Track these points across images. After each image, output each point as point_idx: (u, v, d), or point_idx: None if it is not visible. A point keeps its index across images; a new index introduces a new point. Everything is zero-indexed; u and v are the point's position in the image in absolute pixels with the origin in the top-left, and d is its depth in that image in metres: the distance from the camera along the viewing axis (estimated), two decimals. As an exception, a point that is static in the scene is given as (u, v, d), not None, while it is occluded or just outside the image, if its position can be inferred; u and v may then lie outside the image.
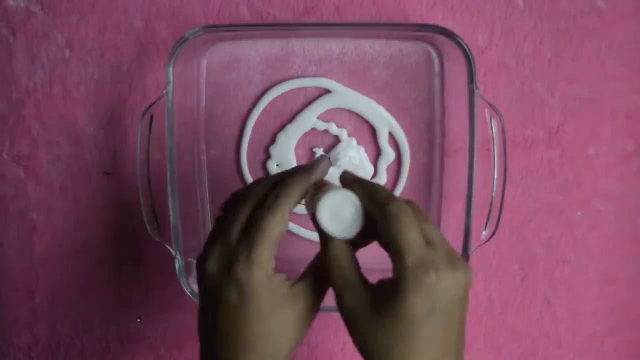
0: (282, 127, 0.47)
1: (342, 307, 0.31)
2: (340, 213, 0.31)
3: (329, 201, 0.30)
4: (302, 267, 0.49)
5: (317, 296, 0.33)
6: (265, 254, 0.30)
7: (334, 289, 0.31)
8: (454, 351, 0.30)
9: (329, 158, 0.34)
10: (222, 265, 0.31)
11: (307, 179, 0.32)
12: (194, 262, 0.37)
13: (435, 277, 0.28)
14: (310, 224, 0.49)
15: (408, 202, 0.32)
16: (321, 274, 0.32)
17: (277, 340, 0.31)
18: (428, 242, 0.29)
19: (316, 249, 0.49)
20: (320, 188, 0.33)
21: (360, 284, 0.31)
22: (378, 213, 0.30)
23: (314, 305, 0.33)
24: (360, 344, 0.30)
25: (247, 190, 0.33)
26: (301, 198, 0.32)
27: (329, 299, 0.48)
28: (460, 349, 0.31)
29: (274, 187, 0.32)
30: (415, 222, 0.30)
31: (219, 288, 0.31)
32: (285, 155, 0.47)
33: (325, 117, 0.47)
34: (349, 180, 0.33)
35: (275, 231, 0.31)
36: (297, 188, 0.32)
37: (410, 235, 0.29)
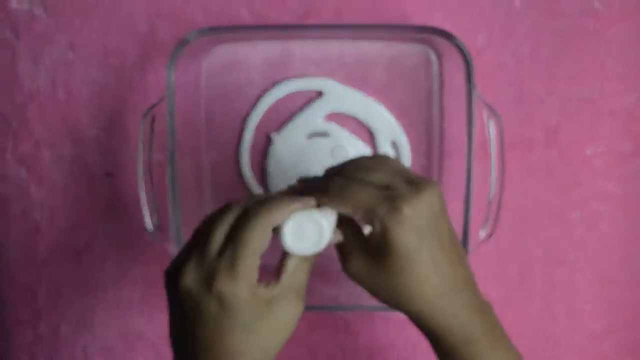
0: (282, 128, 0.47)
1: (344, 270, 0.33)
2: (303, 234, 0.31)
3: (290, 226, 0.31)
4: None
5: (296, 296, 0.33)
6: (249, 267, 0.30)
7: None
8: (458, 261, 0.32)
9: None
10: (199, 278, 0.30)
11: (293, 200, 0.31)
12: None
13: (407, 209, 0.29)
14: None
15: (343, 167, 0.33)
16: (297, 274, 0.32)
17: (263, 347, 0.31)
18: (385, 187, 0.30)
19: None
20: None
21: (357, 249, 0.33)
22: (329, 203, 0.31)
23: (296, 306, 0.32)
24: (380, 297, 0.33)
25: (225, 207, 0.32)
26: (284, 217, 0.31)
27: (330, 298, 0.48)
28: (463, 256, 0.33)
29: (257, 202, 0.31)
30: (360, 185, 0.31)
31: (198, 301, 0.30)
32: (285, 157, 0.47)
33: (325, 118, 0.47)
34: (300, 189, 0.33)
35: (258, 243, 0.30)
36: (283, 204, 0.31)
37: (363, 196, 0.30)
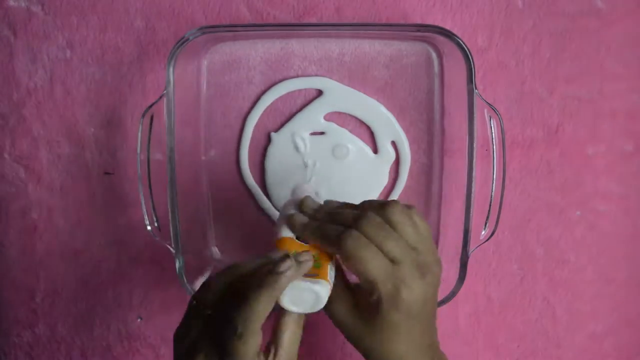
0: (282, 127, 0.47)
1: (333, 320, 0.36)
2: (301, 299, 0.33)
3: (289, 294, 0.32)
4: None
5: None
6: (256, 331, 0.30)
7: None
8: (428, 331, 0.36)
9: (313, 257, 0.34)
10: (213, 349, 0.31)
11: (292, 275, 0.32)
12: (196, 266, 0.37)
13: (406, 292, 0.32)
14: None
15: (363, 217, 0.33)
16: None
17: None
18: (393, 261, 0.33)
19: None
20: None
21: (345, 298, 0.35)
22: (337, 252, 0.33)
23: None
24: (352, 342, 0.36)
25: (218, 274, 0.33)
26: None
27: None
28: (433, 325, 0.37)
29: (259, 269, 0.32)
30: (374, 250, 0.32)
31: None
32: (285, 156, 0.47)
33: (325, 117, 0.47)
34: (299, 229, 0.35)
35: (266, 310, 0.31)
36: (280, 284, 0.31)
37: (373, 266, 0.32)
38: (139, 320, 0.50)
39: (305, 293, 0.32)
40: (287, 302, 0.32)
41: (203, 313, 0.32)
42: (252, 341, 0.30)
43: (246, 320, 0.30)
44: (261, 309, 0.30)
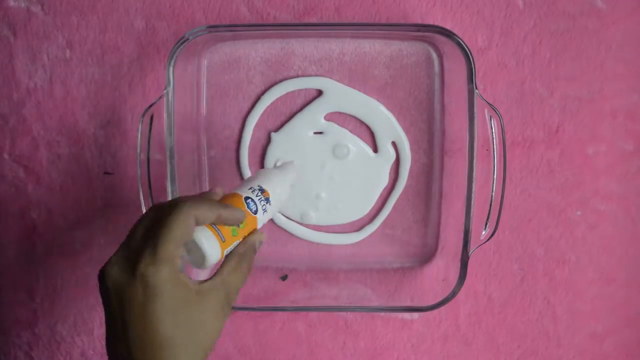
0: (282, 127, 0.47)
1: None
2: (196, 249, 0.33)
3: (196, 237, 0.32)
4: (301, 267, 0.49)
5: (226, 296, 0.33)
6: (170, 250, 0.30)
7: None
8: None
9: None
10: (123, 266, 0.31)
11: (218, 206, 0.33)
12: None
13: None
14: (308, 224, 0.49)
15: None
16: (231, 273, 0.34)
17: (190, 338, 0.31)
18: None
19: (314, 249, 0.49)
20: None
21: None
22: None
23: (225, 305, 0.33)
24: None
25: (149, 208, 0.34)
26: (211, 213, 0.33)
27: (331, 299, 0.48)
28: None
29: (181, 197, 0.33)
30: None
31: (124, 289, 0.30)
32: (284, 156, 0.47)
33: (325, 117, 0.47)
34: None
35: (180, 230, 0.31)
36: (205, 197, 0.33)
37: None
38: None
39: (198, 244, 0.32)
40: (184, 252, 0.33)
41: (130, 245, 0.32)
42: (167, 253, 0.30)
43: (160, 241, 0.30)
44: (176, 231, 0.31)
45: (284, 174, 0.40)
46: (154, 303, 0.30)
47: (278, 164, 0.46)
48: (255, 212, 0.36)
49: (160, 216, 0.31)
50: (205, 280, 0.33)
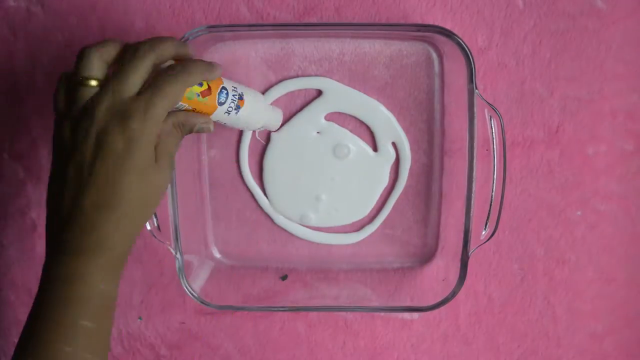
0: (282, 127, 0.47)
1: None
2: None
3: None
4: (301, 267, 0.49)
5: (170, 159, 0.35)
6: (161, 115, 0.32)
7: None
8: None
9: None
10: (113, 113, 0.32)
11: (211, 68, 0.35)
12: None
13: None
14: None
15: None
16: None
17: (146, 198, 0.34)
18: None
19: (314, 249, 0.49)
20: None
21: None
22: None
23: (170, 167, 0.35)
24: None
25: (136, 51, 0.33)
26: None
27: (331, 299, 0.48)
28: None
29: (180, 63, 0.34)
30: None
31: (106, 135, 0.32)
32: (284, 156, 0.47)
33: (325, 117, 0.47)
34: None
35: (175, 99, 0.33)
36: (206, 70, 0.35)
37: None
38: (139, 320, 0.50)
39: None
40: None
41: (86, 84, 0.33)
42: (159, 116, 0.33)
43: (156, 106, 0.32)
44: (171, 102, 0.33)
45: (268, 110, 0.43)
46: (129, 159, 0.32)
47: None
48: (220, 105, 0.38)
49: (159, 77, 0.33)
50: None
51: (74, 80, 0.33)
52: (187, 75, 0.34)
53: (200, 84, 0.36)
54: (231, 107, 0.39)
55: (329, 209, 0.48)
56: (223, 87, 0.38)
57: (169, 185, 0.42)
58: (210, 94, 0.37)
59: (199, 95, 0.36)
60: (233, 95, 0.39)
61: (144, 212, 0.35)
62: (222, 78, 0.38)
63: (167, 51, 0.34)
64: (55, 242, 0.34)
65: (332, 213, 0.48)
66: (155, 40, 0.34)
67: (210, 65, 0.35)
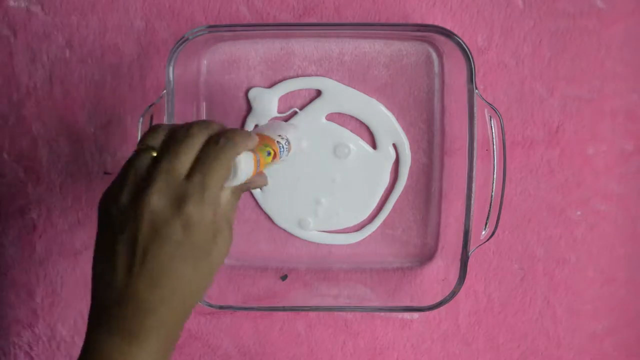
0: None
1: None
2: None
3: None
4: (301, 267, 0.49)
5: (229, 225, 0.34)
6: (216, 194, 0.32)
7: None
8: None
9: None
10: (171, 201, 0.31)
11: (254, 136, 0.34)
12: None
13: None
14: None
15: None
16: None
17: (203, 281, 0.33)
18: None
19: (314, 249, 0.49)
20: None
21: None
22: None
23: (230, 232, 0.34)
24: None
25: (189, 129, 0.33)
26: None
27: (331, 299, 0.48)
28: None
29: (224, 132, 0.33)
30: None
31: (164, 222, 0.30)
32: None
33: (325, 117, 0.47)
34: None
35: (225, 173, 0.32)
36: (248, 139, 0.33)
37: None
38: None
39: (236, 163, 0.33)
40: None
41: (147, 157, 0.32)
42: (213, 196, 0.32)
43: (209, 184, 0.31)
44: (223, 178, 0.32)
45: (297, 134, 0.42)
46: (187, 245, 0.31)
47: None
48: (281, 159, 0.38)
49: (206, 153, 0.32)
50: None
51: (138, 146, 0.33)
52: (233, 147, 0.32)
53: (268, 153, 0.36)
54: (285, 154, 0.39)
55: (330, 213, 0.48)
56: (278, 143, 0.38)
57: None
58: (276, 156, 0.37)
59: (270, 163, 0.36)
60: (285, 144, 0.39)
61: (200, 293, 0.33)
62: (268, 135, 0.38)
63: (216, 130, 0.33)
64: (103, 316, 0.32)
65: (332, 217, 0.48)
66: (205, 121, 0.34)
67: (248, 133, 0.34)
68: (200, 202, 0.31)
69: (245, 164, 0.33)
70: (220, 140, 0.32)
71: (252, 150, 0.34)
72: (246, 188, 0.36)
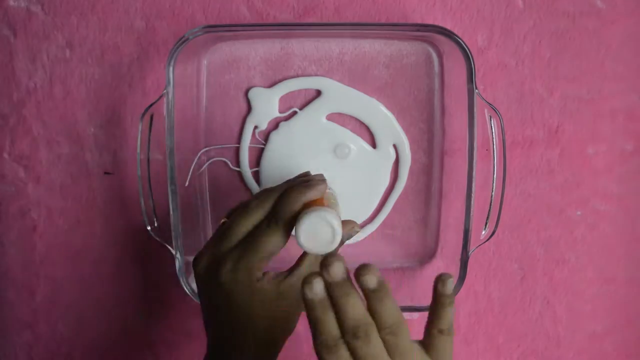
0: (282, 126, 0.47)
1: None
2: (317, 233, 0.32)
3: (306, 223, 0.32)
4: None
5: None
6: (252, 264, 0.33)
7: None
8: None
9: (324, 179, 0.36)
10: (210, 267, 0.34)
11: (304, 196, 0.34)
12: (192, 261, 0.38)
13: None
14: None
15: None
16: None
17: (268, 335, 0.35)
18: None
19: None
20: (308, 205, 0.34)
21: None
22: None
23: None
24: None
25: (250, 201, 0.35)
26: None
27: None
28: None
29: (277, 214, 0.34)
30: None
31: (209, 285, 0.34)
32: (282, 155, 0.47)
33: (325, 117, 0.47)
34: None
35: (269, 247, 0.33)
36: (294, 205, 0.33)
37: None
38: (138, 319, 0.50)
39: (320, 225, 0.32)
40: (302, 238, 0.32)
41: (234, 233, 0.34)
42: (249, 265, 0.33)
43: (247, 256, 0.33)
44: (266, 251, 0.33)
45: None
46: (232, 307, 0.33)
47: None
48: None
49: (256, 230, 0.34)
50: (282, 278, 0.35)
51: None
52: (281, 218, 0.33)
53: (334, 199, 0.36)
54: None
55: None
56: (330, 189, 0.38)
57: (170, 187, 0.42)
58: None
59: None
60: (330, 189, 0.38)
61: (276, 343, 0.36)
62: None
63: (272, 201, 0.35)
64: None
65: None
66: (266, 192, 0.35)
67: (305, 189, 0.34)
68: (233, 270, 0.33)
69: (338, 226, 0.32)
70: (270, 214, 0.34)
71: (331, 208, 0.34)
72: (342, 242, 0.36)
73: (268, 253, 0.33)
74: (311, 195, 0.34)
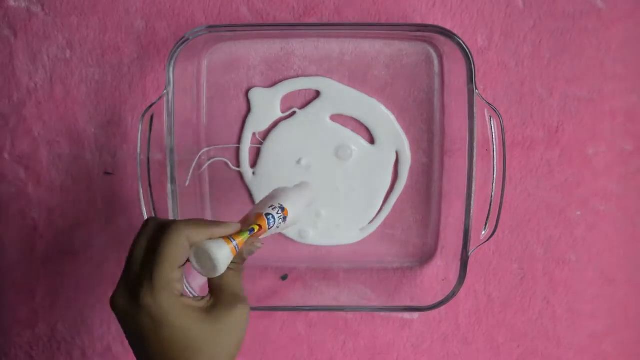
0: (281, 126, 0.47)
1: None
2: (203, 261, 0.32)
3: (195, 253, 0.32)
4: (301, 267, 0.49)
5: (234, 298, 0.34)
6: (165, 276, 0.30)
7: None
8: None
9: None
10: (129, 297, 0.31)
11: (210, 225, 0.33)
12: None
13: None
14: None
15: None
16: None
17: (211, 349, 0.32)
18: None
19: (314, 249, 0.49)
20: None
21: None
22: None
23: (240, 306, 0.34)
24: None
25: (143, 224, 0.33)
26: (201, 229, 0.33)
27: (331, 299, 0.48)
28: None
29: (174, 220, 0.33)
30: None
31: (133, 319, 0.31)
32: (284, 156, 0.47)
33: (329, 117, 0.47)
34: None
35: (173, 252, 0.31)
36: (198, 226, 0.32)
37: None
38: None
39: (204, 255, 0.32)
40: (193, 262, 0.32)
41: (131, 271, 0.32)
42: (163, 280, 0.30)
43: (155, 267, 0.31)
44: (169, 255, 0.31)
45: (301, 194, 0.41)
46: (165, 330, 0.31)
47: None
48: (270, 229, 0.36)
49: (155, 237, 0.32)
50: (205, 297, 0.33)
51: None
52: (182, 223, 0.32)
53: (251, 230, 0.35)
54: (279, 223, 0.37)
55: (329, 225, 0.48)
56: (267, 214, 0.36)
57: (170, 187, 0.42)
58: (262, 228, 0.36)
59: (252, 237, 0.35)
60: (277, 215, 0.37)
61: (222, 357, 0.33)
62: (257, 212, 0.37)
63: (152, 229, 0.33)
64: None
65: (332, 229, 0.48)
66: (146, 221, 0.33)
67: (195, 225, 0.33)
68: (151, 290, 0.30)
69: (219, 254, 0.32)
70: (167, 224, 0.32)
71: (230, 237, 0.33)
72: (240, 259, 0.35)
73: (174, 259, 0.31)
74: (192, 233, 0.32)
